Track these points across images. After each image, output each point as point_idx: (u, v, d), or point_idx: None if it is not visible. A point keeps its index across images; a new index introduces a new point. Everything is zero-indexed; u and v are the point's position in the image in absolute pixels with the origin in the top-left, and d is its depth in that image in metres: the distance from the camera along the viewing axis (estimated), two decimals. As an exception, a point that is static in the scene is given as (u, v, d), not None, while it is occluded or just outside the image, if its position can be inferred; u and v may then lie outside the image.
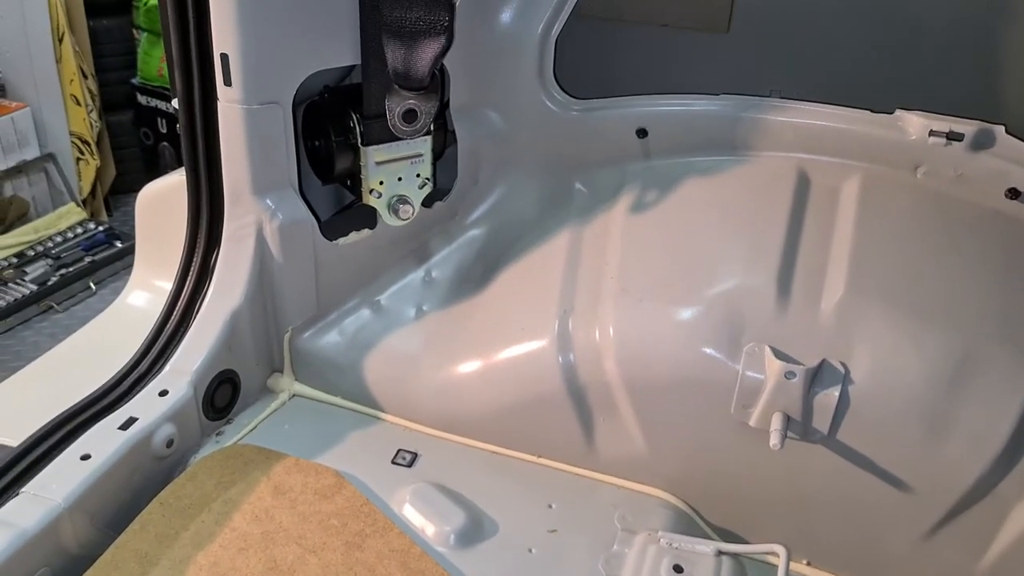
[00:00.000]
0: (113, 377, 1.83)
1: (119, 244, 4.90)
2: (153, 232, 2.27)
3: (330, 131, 1.87)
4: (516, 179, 2.14)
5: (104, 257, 4.84)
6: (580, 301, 1.84)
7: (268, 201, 1.85)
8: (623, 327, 1.75)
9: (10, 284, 4.59)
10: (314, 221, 1.91)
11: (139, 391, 1.80)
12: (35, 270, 4.68)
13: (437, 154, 2.00)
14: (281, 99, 1.77)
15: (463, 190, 2.13)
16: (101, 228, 5.01)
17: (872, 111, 1.91)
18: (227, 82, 1.72)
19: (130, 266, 4.96)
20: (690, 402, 1.71)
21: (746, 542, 1.80)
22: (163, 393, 1.80)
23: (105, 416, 1.75)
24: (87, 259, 4.80)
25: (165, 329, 1.88)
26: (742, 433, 1.68)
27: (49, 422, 1.71)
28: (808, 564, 1.77)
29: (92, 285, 4.76)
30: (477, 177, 2.14)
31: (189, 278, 1.90)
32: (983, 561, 1.63)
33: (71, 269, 4.73)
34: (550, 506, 1.79)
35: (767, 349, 1.62)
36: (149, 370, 1.84)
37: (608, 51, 2.21)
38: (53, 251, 4.81)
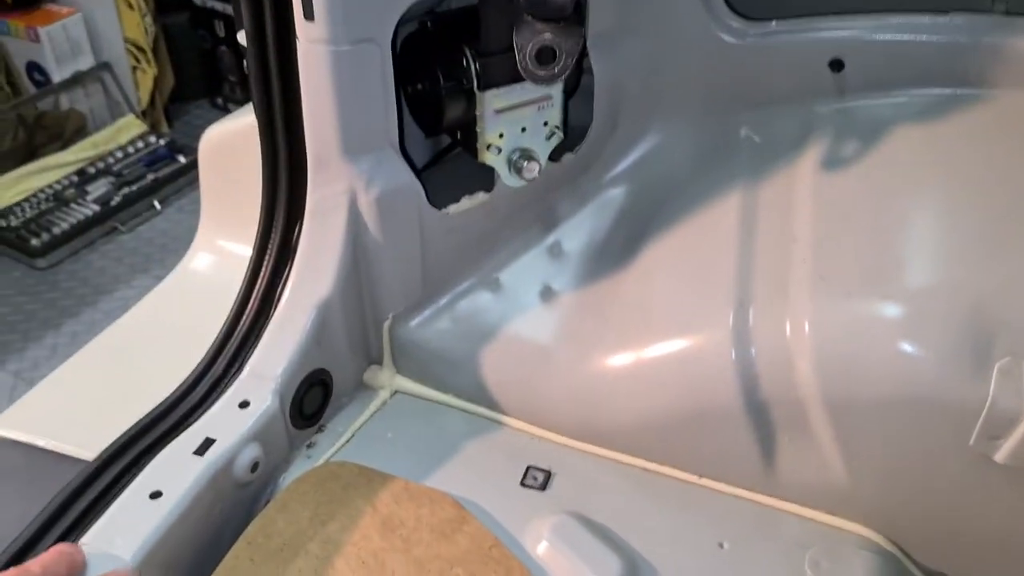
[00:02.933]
0: (182, 384, 1.50)
1: (182, 159, 4.60)
2: (219, 184, 1.91)
3: (437, 72, 1.46)
4: (667, 124, 1.68)
5: (167, 174, 4.56)
6: (760, 288, 1.43)
7: (363, 165, 1.46)
8: (823, 324, 1.35)
9: (72, 204, 4.36)
10: (420, 187, 1.51)
11: (214, 403, 1.47)
12: (96, 189, 4.43)
13: (568, 93, 1.57)
14: (377, 36, 1.35)
15: (599, 138, 1.68)
16: (162, 141, 4.71)
17: None
18: (308, 15, 1.31)
19: (194, 182, 4.69)
20: (912, 425, 1.32)
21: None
22: (244, 404, 1.46)
23: (175, 436, 1.42)
24: (150, 176, 4.52)
25: (241, 323, 1.53)
26: (981, 467, 1.29)
27: (108, 447, 1.40)
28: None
29: (156, 204, 4.49)
30: (617, 121, 1.69)
31: (267, 260, 1.54)
32: None
33: (134, 187, 4.47)
34: (721, 545, 1.44)
35: (1030, 367, 1.22)
36: (224, 375, 1.51)
37: None
38: (114, 168, 4.54)
